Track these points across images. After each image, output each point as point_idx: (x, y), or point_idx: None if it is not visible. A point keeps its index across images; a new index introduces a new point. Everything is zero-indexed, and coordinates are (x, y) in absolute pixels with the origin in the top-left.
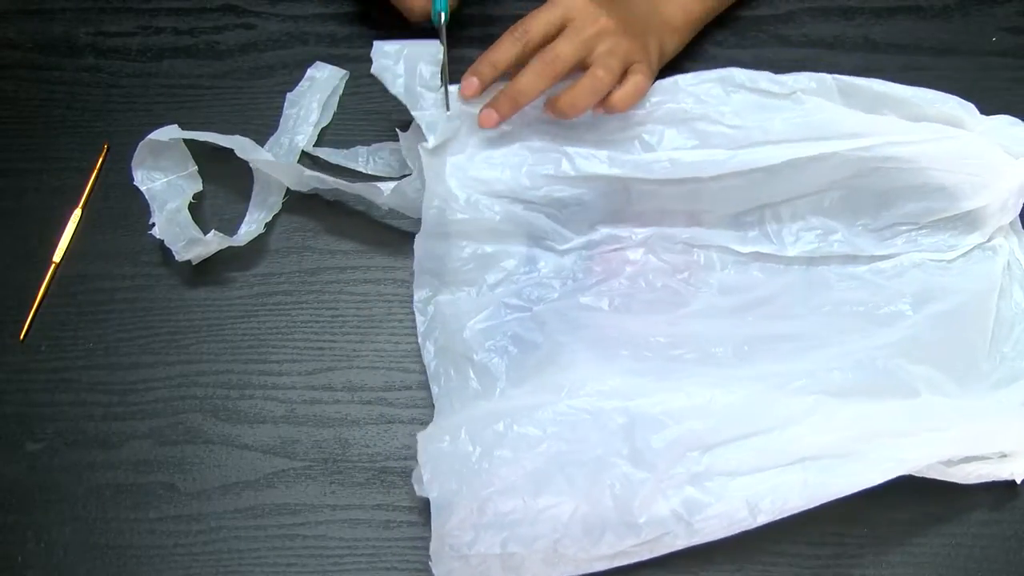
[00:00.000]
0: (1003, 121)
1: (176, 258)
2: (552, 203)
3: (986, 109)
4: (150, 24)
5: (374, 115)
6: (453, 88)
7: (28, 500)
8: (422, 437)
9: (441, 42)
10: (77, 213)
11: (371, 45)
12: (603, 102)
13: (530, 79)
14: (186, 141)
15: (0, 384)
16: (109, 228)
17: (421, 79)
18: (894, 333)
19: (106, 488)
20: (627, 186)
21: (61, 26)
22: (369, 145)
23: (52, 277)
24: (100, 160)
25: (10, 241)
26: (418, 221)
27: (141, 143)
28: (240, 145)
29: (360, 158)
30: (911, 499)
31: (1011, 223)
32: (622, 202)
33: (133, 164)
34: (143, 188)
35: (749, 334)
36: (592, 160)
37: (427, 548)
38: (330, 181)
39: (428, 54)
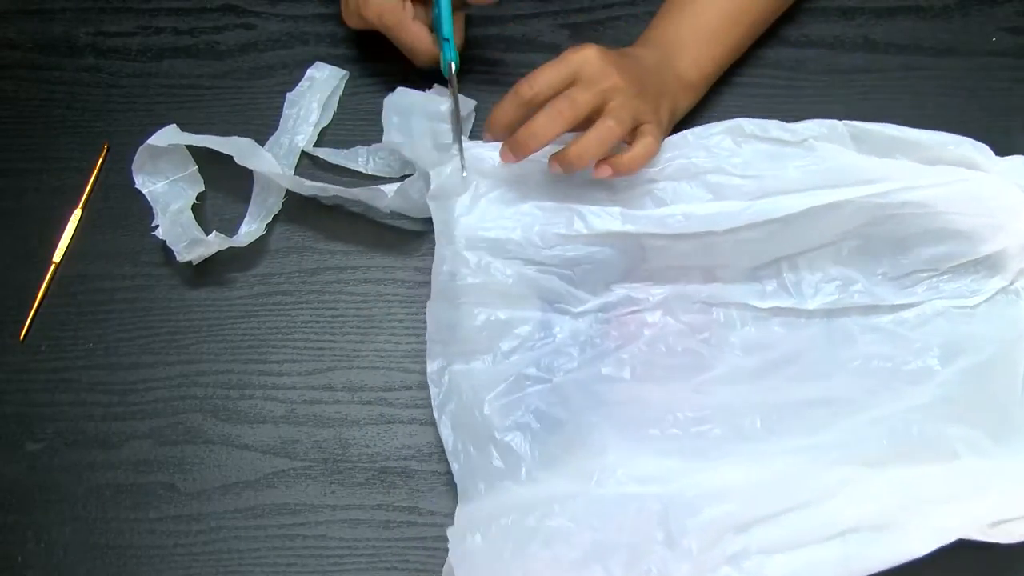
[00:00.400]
0: (1018, 161)
1: (178, 259)
2: (565, 263)
3: (986, 109)
4: (150, 24)
5: (374, 115)
6: (469, 145)
7: (28, 500)
8: (452, 533)
9: (452, 95)
10: (77, 213)
11: (372, 45)
12: (613, 163)
13: (544, 122)
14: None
15: (0, 384)
16: (109, 228)
17: (436, 138)
18: (925, 392)
19: (106, 488)
20: (641, 243)
21: (61, 26)
22: (369, 145)
23: (52, 277)
24: (100, 160)
25: (10, 241)
26: (421, 221)
27: (140, 148)
28: (239, 149)
29: (360, 158)
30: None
31: None
32: (636, 260)
33: (133, 168)
34: (145, 191)
35: (777, 401)
36: (604, 217)
37: (427, 548)
38: (332, 190)
39: (439, 111)
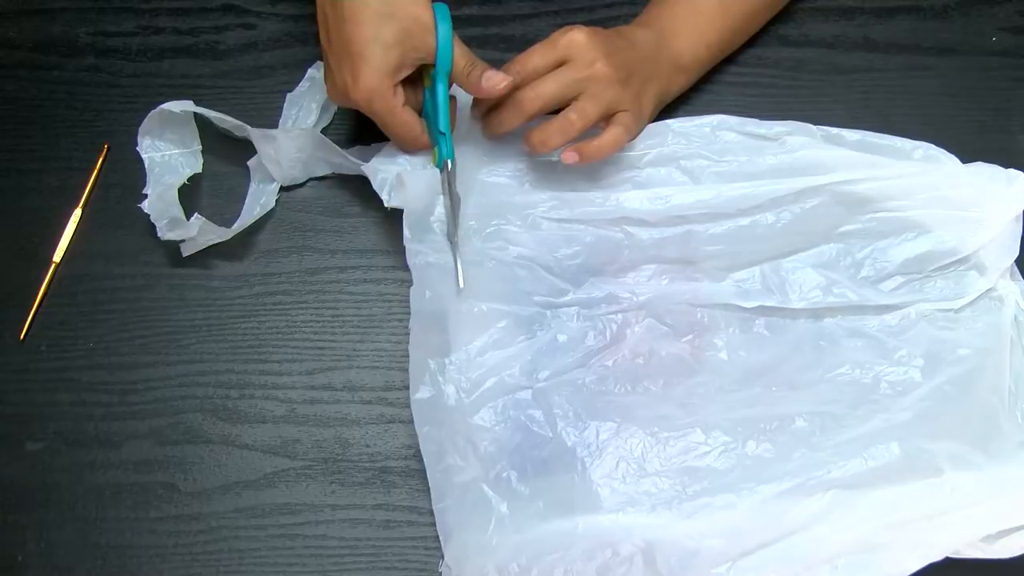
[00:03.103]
0: (983, 167)
1: (159, 236)
2: (546, 246)
3: (986, 109)
4: (150, 24)
5: None
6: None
7: (28, 500)
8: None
9: (448, 192)
10: (77, 213)
11: None
12: (579, 150)
13: (507, 115)
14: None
15: (0, 384)
16: (109, 228)
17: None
18: (907, 408)
19: (106, 488)
20: (621, 228)
21: (61, 26)
22: (368, 145)
23: (52, 277)
24: (100, 160)
25: (10, 241)
26: None
27: (153, 111)
28: (251, 131)
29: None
30: None
31: (1012, 274)
32: (617, 247)
33: (141, 130)
34: (145, 156)
35: (760, 416)
36: (584, 202)
37: (427, 548)
38: (339, 153)
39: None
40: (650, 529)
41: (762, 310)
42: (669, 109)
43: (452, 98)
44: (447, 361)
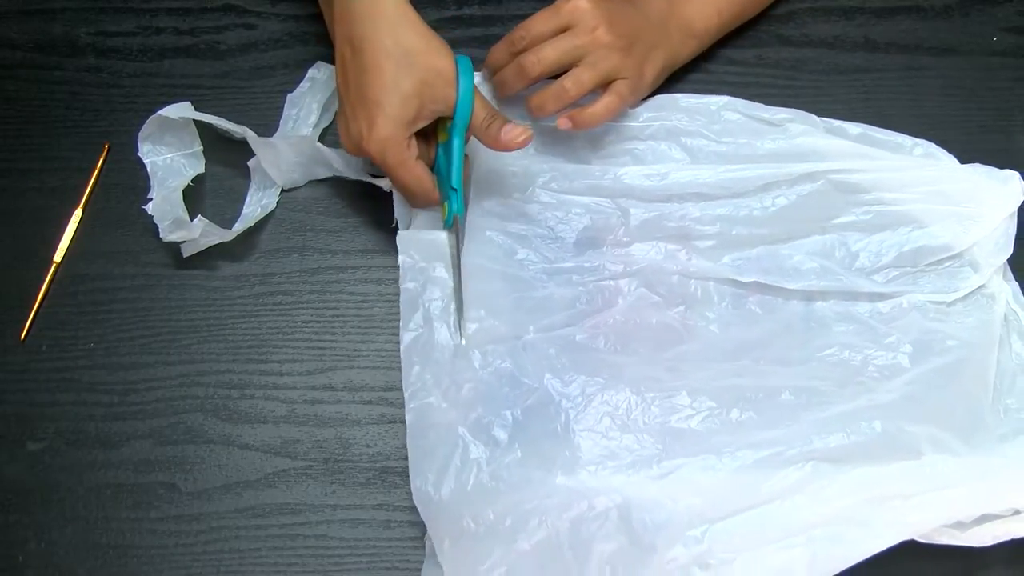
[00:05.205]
0: (979, 168)
1: (161, 237)
2: (543, 215)
3: (986, 109)
4: (151, 24)
5: None
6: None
7: (29, 500)
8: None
9: (455, 247)
10: (77, 213)
11: None
12: (573, 117)
13: (508, 77)
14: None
15: (1, 384)
16: (109, 228)
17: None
18: (893, 390)
19: (107, 488)
20: (617, 203)
21: (61, 26)
22: None
23: (53, 277)
24: (100, 160)
25: (10, 241)
26: None
27: (151, 117)
28: (249, 136)
29: (359, 158)
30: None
31: (1005, 274)
32: (613, 223)
33: (140, 136)
34: (146, 161)
35: (746, 386)
36: (583, 174)
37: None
38: (337, 159)
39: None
40: (628, 485)
41: (756, 287)
42: (678, 88)
43: (465, 155)
44: (439, 302)
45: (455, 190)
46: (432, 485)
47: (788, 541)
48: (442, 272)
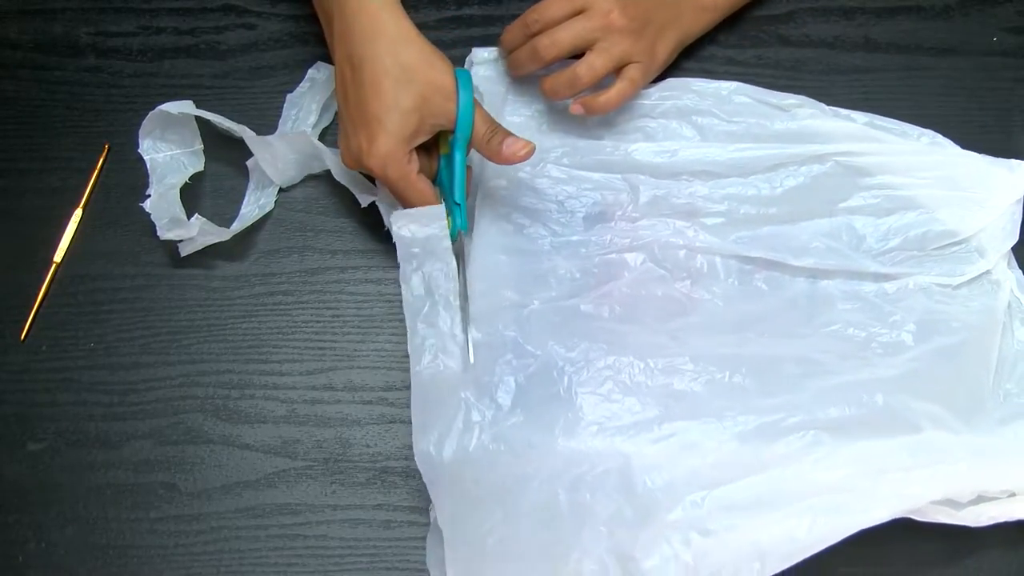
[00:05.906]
0: (983, 156)
1: (159, 235)
2: (554, 189)
3: (986, 109)
4: (151, 24)
5: None
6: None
7: (29, 500)
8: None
9: (459, 263)
10: (77, 213)
11: None
12: (585, 103)
13: (522, 59)
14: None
15: (1, 384)
16: (109, 228)
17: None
18: (895, 365)
19: (107, 488)
20: (626, 178)
21: (61, 26)
22: None
23: (53, 277)
24: (100, 160)
25: (10, 241)
26: None
27: (152, 113)
28: (249, 134)
29: None
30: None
31: (1010, 262)
32: (622, 199)
33: (141, 132)
34: (146, 157)
35: (749, 354)
36: (594, 150)
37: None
38: (332, 157)
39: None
40: (629, 446)
41: (763, 263)
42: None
43: (468, 168)
44: (441, 270)
45: (459, 204)
46: (434, 446)
47: (788, 510)
48: (438, 232)
